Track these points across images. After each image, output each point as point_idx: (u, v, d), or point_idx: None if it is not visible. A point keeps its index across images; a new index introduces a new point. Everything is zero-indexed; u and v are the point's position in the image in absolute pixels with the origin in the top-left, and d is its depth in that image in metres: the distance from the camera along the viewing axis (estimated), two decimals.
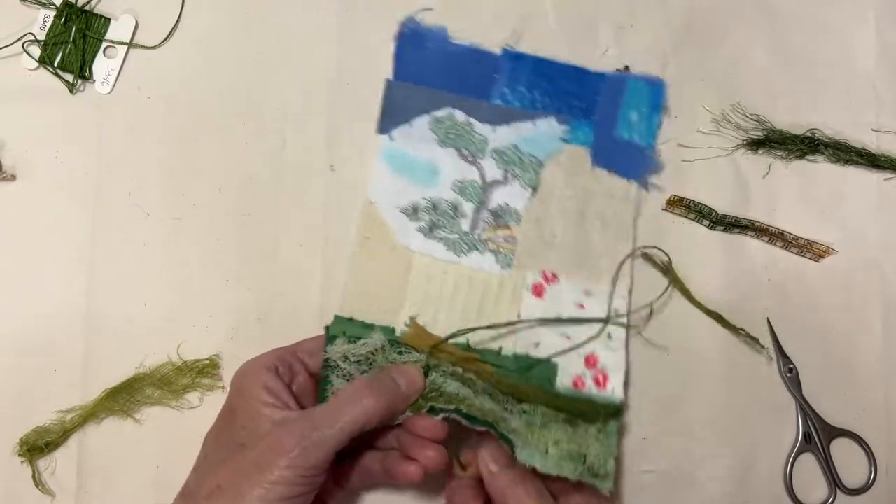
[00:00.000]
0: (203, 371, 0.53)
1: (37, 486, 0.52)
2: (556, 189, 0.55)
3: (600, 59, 0.57)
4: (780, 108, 0.58)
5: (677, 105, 0.57)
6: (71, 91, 0.56)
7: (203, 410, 0.53)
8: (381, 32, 0.57)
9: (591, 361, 0.53)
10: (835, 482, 0.54)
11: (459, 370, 0.50)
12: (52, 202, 0.55)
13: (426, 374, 0.49)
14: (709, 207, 0.56)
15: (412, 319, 0.53)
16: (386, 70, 0.57)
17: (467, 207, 0.55)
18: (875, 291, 0.57)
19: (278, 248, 0.55)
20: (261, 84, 0.57)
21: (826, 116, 0.58)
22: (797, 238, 0.56)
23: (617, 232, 0.55)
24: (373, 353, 0.49)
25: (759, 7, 0.59)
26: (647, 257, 0.55)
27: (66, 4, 0.57)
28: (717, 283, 0.56)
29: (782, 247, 0.56)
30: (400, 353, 0.50)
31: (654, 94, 0.57)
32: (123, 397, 0.53)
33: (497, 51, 0.57)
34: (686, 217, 0.56)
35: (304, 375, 0.49)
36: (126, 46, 0.57)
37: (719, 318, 0.54)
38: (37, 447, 0.52)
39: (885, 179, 0.58)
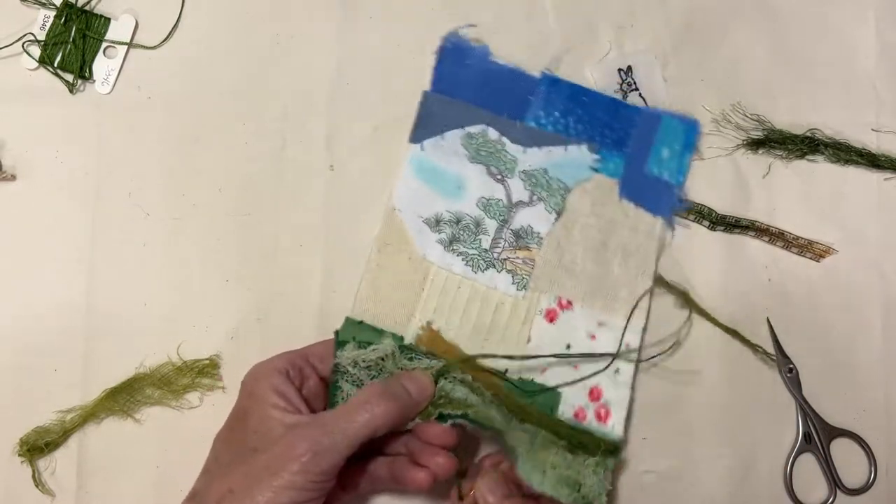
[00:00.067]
0: (203, 371, 0.53)
1: (37, 486, 0.52)
2: (580, 216, 0.55)
3: (600, 59, 0.57)
4: (780, 108, 0.58)
5: (677, 105, 0.57)
6: (71, 91, 0.56)
7: (203, 410, 0.53)
8: (381, 33, 0.57)
9: (594, 394, 0.53)
10: (835, 482, 0.54)
11: (469, 378, 0.49)
12: (52, 202, 0.55)
13: (436, 382, 0.48)
14: (708, 208, 0.56)
15: (428, 324, 0.53)
16: (386, 70, 0.57)
17: (490, 225, 0.55)
18: (875, 291, 0.57)
19: (278, 248, 0.55)
20: (261, 84, 0.57)
21: (826, 116, 0.58)
22: (797, 238, 0.56)
23: (638, 266, 0.55)
24: (383, 360, 0.49)
25: (759, 7, 0.59)
26: (664, 282, 0.55)
27: (66, 4, 0.57)
28: (718, 284, 0.56)
29: (783, 247, 0.56)
30: (410, 359, 0.50)
31: (687, 133, 0.56)
32: (123, 397, 0.53)
33: (536, 74, 0.57)
34: (686, 218, 0.56)
35: (314, 379, 0.48)
36: (126, 46, 0.57)
37: (736, 335, 0.54)
38: (37, 447, 0.52)
39: (885, 179, 0.58)
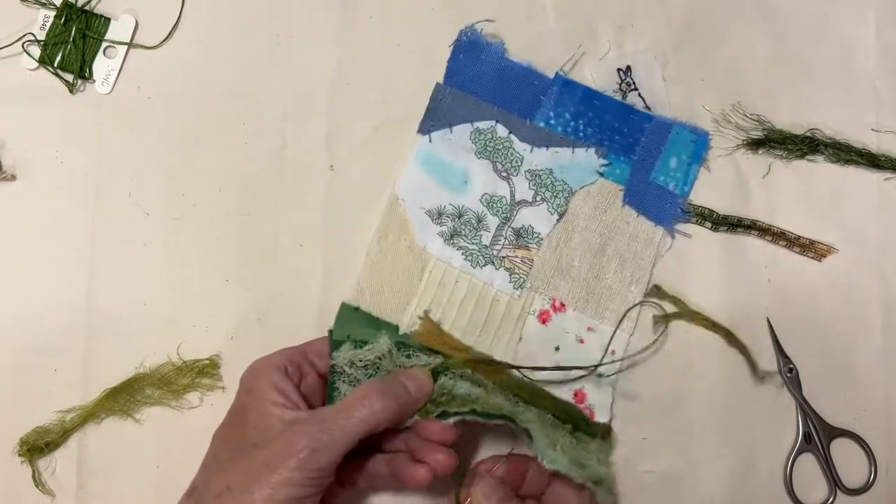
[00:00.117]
0: (203, 371, 0.53)
1: (37, 486, 0.52)
2: (581, 220, 0.55)
3: (600, 59, 0.58)
4: (780, 108, 0.58)
5: (677, 105, 0.57)
6: (71, 91, 0.56)
7: (203, 410, 0.53)
8: (381, 33, 0.57)
9: (579, 396, 0.53)
10: (835, 482, 0.54)
11: (469, 372, 0.49)
12: (52, 202, 0.55)
13: (435, 379, 0.48)
14: (710, 210, 0.56)
15: (426, 313, 0.53)
16: (386, 70, 0.57)
17: (491, 222, 0.55)
18: (875, 291, 0.57)
19: (278, 248, 0.55)
20: (261, 84, 0.57)
21: (826, 116, 0.58)
22: (799, 238, 0.56)
23: (633, 274, 0.55)
24: (380, 359, 0.49)
25: (759, 7, 0.59)
26: (659, 291, 0.55)
27: (66, 4, 0.57)
28: (718, 284, 0.56)
29: (785, 246, 0.56)
30: (408, 356, 0.50)
31: (697, 145, 0.56)
32: (123, 397, 0.53)
33: (549, 74, 0.57)
34: (688, 221, 0.56)
35: (313, 376, 0.49)
36: (126, 46, 0.57)
37: (732, 338, 0.55)
38: (37, 447, 0.52)
39: (885, 179, 0.58)
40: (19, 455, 0.52)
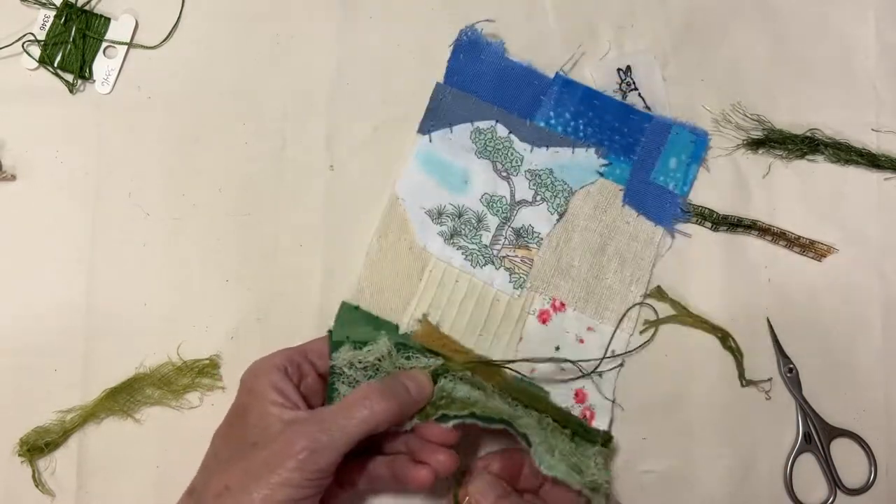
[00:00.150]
0: (203, 371, 0.53)
1: (37, 486, 0.52)
2: (581, 219, 0.55)
3: (600, 59, 0.58)
4: (780, 108, 0.58)
5: (677, 105, 0.57)
6: (71, 91, 0.56)
7: (203, 410, 0.53)
8: (381, 33, 0.57)
9: (580, 396, 0.53)
10: (835, 482, 0.54)
11: (469, 374, 0.49)
12: (52, 202, 0.55)
13: (435, 381, 0.48)
14: (710, 210, 0.56)
15: (424, 316, 0.53)
16: (386, 70, 0.57)
17: (491, 221, 0.55)
18: (875, 291, 0.57)
19: (278, 248, 0.55)
20: (261, 84, 0.57)
21: (826, 116, 0.58)
22: (799, 238, 0.56)
23: (633, 274, 0.55)
24: (379, 360, 0.49)
25: (759, 7, 0.59)
26: (659, 292, 0.55)
27: (66, 4, 0.57)
28: (718, 284, 0.56)
29: (785, 246, 0.56)
30: (407, 358, 0.50)
31: (697, 145, 0.56)
32: (123, 397, 0.53)
33: (549, 74, 0.57)
34: (688, 221, 0.56)
35: (313, 376, 0.49)
36: (126, 46, 0.57)
37: (723, 338, 0.55)
38: (37, 447, 0.52)
39: (885, 179, 0.58)
40: (19, 455, 0.52)
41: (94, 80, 0.56)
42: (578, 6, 0.58)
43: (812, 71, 0.59)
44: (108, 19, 0.57)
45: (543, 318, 0.54)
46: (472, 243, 0.55)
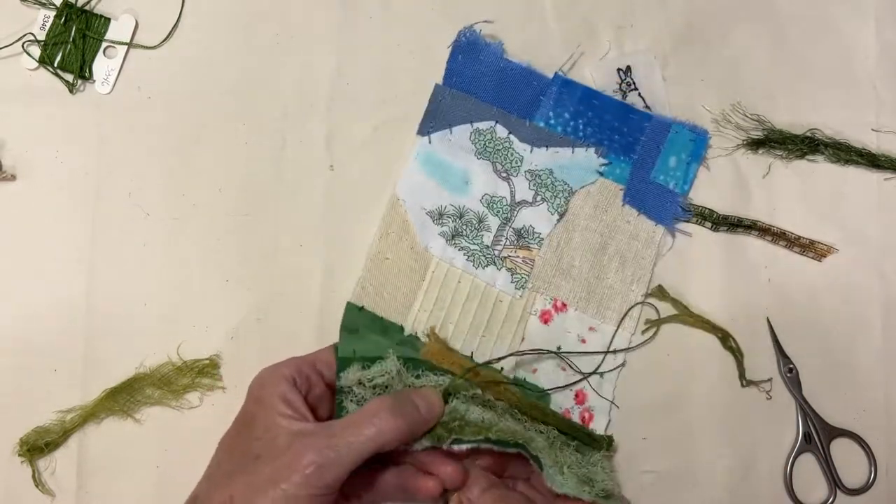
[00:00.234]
0: (203, 371, 0.53)
1: (37, 486, 0.52)
2: (581, 219, 0.56)
3: (600, 59, 0.58)
4: (780, 108, 0.58)
5: (677, 105, 0.57)
6: (71, 91, 0.56)
7: (203, 410, 0.53)
8: (381, 33, 0.57)
9: (580, 398, 0.53)
10: (835, 482, 0.54)
11: (479, 391, 0.49)
12: (52, 202, 0.55)
13: (446, 401, 0.48)
14: (710, 210, 0.56)
15: (432, 330, 0.53)
16: (386, 70, 0.57)
17: (492, 222, 0.55)
18: (875, 291, 0.57)
19: (278, 248, 0.55)
20: (261, 84, 0.57)
21: (826, 116, 0.58)
22: (799, 238, 0.56)
23: (633, 273, 0.55)
24: (389, 381, 0.48)
25: (759, 7, 0.59)
26: (660, 292, 0.55)
27: (66, 4, 0.57)
28: (718, 284, 0.56)
29: (785, 246, 0.56)
30: (417, 377, 0.50)
31: (696, 144, 0.56)
32: (123, 397, 0.53)
33: (549, 74, 0.57)
34: (688, 221, 0.56)
35: (320, 387, 0.48)
36: (126, 46, 0.57)
37: (723, 338, 0.55)
38: (37, 447, 0.52)
39: (885, 179, 0.58)
40: (19, 455, 0.52)
41: (94, 80, 0.56)
42: (578, 6, 0.58)
43: (812, 71, 0.59)
44: (108, 19, 0.57)
45: (545, 318, 0.54)
46: (474, 244, 0.55)
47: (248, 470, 0.42)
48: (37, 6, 0.57)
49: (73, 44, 0.56)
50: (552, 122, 0.56)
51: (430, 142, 0.56)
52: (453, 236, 0.55)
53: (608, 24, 0.58)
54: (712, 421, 0.55)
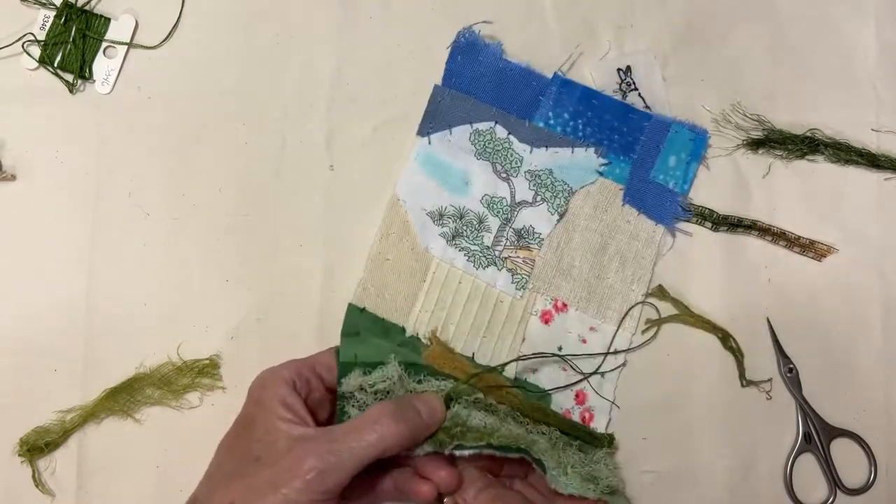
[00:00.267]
0: (203, 371, 0.53)
1: (37, 486, 0.52)
2: (581, 219, 0.55)
3: (600, 59, 0.58)
4: (780, 108, 0.58)
5: (677, 105, 0.57)
6: (71, 91, 0.56)
7: (203, 410, 0.53)
8: (381, 33, 0.57)
9: (580, 398, 0.53)
10: (835, 482, 0.54)
11: (481, 396, 0.49)
12: (52, 202, 0.55)
13: (448, 406, 0.48)
14: (710, 210, 0.56)
15: (434, 334, 0.53)
16: (386, 70, 0.57)
17: (493, 223, 0.55)
18: (875, 291, 0.57)
19: (278, 248, 0.55)
20: (261, 84, 0.57)
21: (826, 116, 0.58)
22: (799, 238, 0.56)
23: (634, 273, 0.55)
24: (390, 387, 0.48)
25: (759, 7, 0.59)
26: (661, 292, 0.55)
27: (66, 4, 0.57)
28: (718, 284, 0.56)
29: (785, 246, 0.56)
30: (419, 382, 0.50)
31: (696, 143, 0.56)
32: (123, 397, 0.53)
33: (548, 74, 0.57)
34: (688, 220, 0.56)
35: (320, 391, 0.48)
36: (126, 46, 0.57)
37: (724, 338, 0.55)
38: (37, 447, 0.52)
39: (885, 179, 0.58)
40: (19, 455, 0.52)
41: (94, 80, 0.56)
42: (578, 6, 0.58)
43: (812, 71, 0.59)
44: (108, 19, 0.57)
45: (546, 318, 0.54)
46: (474, 244, 0.55)
47: (248, 472, 0.42)
48: (37, 6, 0.57)
49: (73, 44, 0.56)
50: (552, 122, 0.56)
51: (429, 142, 0.56)
52: (454, 237, 0.55)
53: (608, 24, 0.58)
54: (712, 421, 0.55)
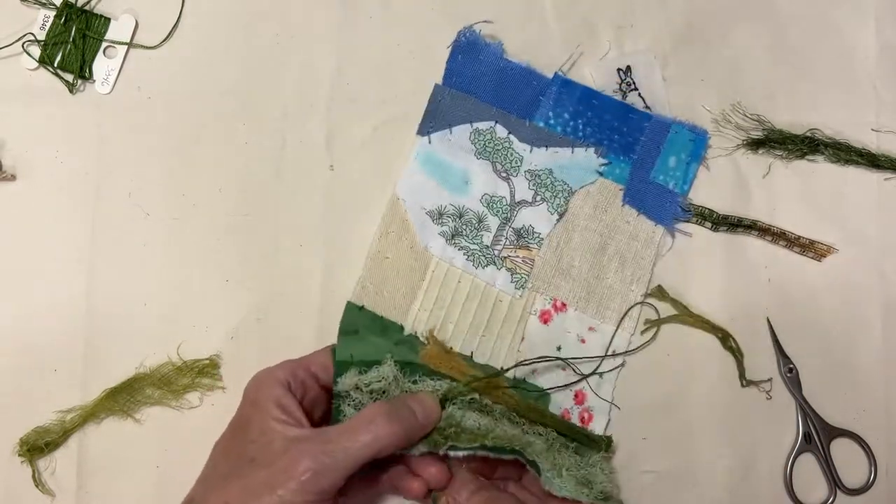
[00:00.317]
0: (203, 371, 0.53)
1: (37, 486, 0.52)
2: (581, 219, 0.55)
3: (600, 59, 0.58)
4: (780, 108, 0.58)
5: (677, 105, 0.57)
6: (71, 91, 0.56)
7: (203, 410, 0.53)
8: (381, 33, 0.57)
9: (579, 398, 0.53)
10: (835, 482, 0.54)
11: (476, 396, 0.49)
12: (52, 202, 0.55)
13: (443, 406, 0.48)
14: (710, 210, 0.56)
15: (431, 333, 0.53)
16: (386, 70, 0.57)
17: (492, 222, 0.55)
18: (875, 291, 0.57)
19: (278, 248, 0.55)
20: (261, 84, 0.57)
21: (826, 116, 0.58)
22: (799, 238, 0.56)
23: (633, 274, 0.55)
24: (385, 387, 0.48)
25: (759, 7, 0.59)
26: (660, 292, 0.55)
27: (66, 4, 0.57)
28: (718, 284, 0.56)
29: (785, 246, 0.56)
30: (414, 382, 0.50)
31: (696, 144, 0.56)
32: (123, 397, 0.53)
33: (548, 74, 0.57)
34: (688, 221, 0.56)
35: (315, 390, 0.48)
36: (126, 46, 0.57)
37: (724, 338, 0.55)
38: (37, 447, 0.52)
39: (885, 179, 0.58)
40: (19, 455, 0.52)
41: (94, 80, 0.56)
42: (578, 6, 0.58)
43: (812, 71, 0.59)
44: (108, 19, 0.57)
45: (545, 318, 0.54)
46: (474, 244, 0.55)
47: (243, 473, 0.42)
48: (37, 6, 0.57)
49: (73, 44, 0.56)
50: (552, 122, 0.56)
51: (429, 142, 0.56)
52: (453, 236, 0.55)
53: (608, 24, 0.58)
54: (712, 421, 0.55)
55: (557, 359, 0.53)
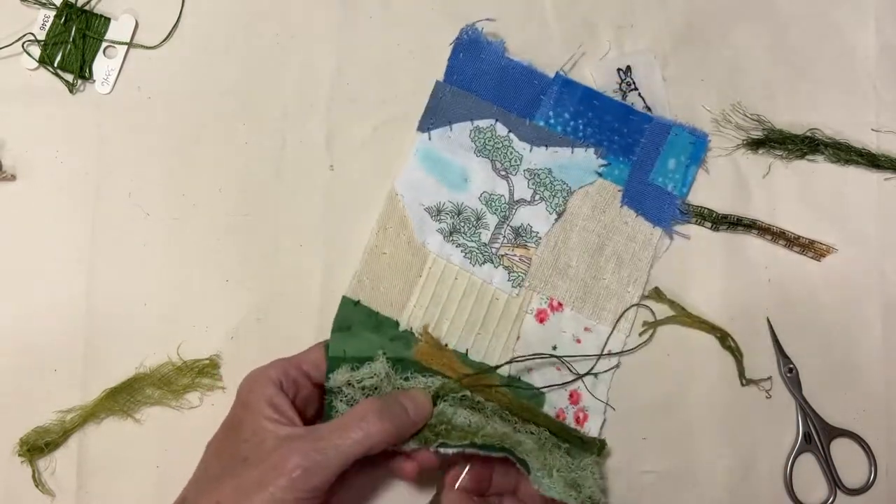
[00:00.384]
0: (203, 371, 0.53)
1: (37, 486, 0.52)
2: (579, 219, 0.55)
3: (600, 59, 0.58)
4: (780, 108, 0.58)
5: (677, 105, 0.57)
6: (71, 91, 0.56)
7: (203, 410, 0.53)
8: (381, 33, 0.57)
9: (574, 398, 0.53)
10: (835, 482, 0.54)
11: (468, 393, 0.49)
12: (52, 202, 0.55)
13: (435, 403, 0.48)
14: (709, 209, 0.56)
15: (426, 329, 0.53)
16: (386, 70, 0.57)
17: (490, 220, 0.55)
18: (875, 291, 0.57)
19: (278, 248, 0.55)
20: (261, 84, 0.57)
21: (826, 116, 0.58)
22: (799, 237, 0.56)
23: (630, 275, 0.55)
24: (377, 383, 0.48)
25: (759, 7, 0.59)
26: (657, 294, 0.55)
27: (66, 4, 0.57)
28: (718, 284, 0.56)
29: (784, 246, 0.56)
30: (406, 379, 0.50)
31: (696, 147, 0.56)
32: (123, 397, 0.53)
33: (550, 73, 0.57)
34: (688, 221, 0.56)
35: (308, 388, 0.48)
36: (126, 46, 0.57)
37: (722, 338, 0.55)
38: (37, 447, 0.52)
39: (885, 179, 0.58)
40: (19, 455, 0.52)
41: (94, 80, 0.56)
42: (578, 6, 0.58)
43: (812, 71, 0.59)
44: (108, 19, 0.57)
45: (541, 317, 0.54)
46: (472, 241, 0.55)
47: (235, 473, 0.42)
48: (37, 6, 0.57)
49: (73, 44, 0.56)
50: (552, 121, 0.56)
51: (429, 138, 0.56)
52: (451, 233, 0.55)
53: (608, 24, 0.58)
54: (712, 421, 0.55)
55: (551, 356, 0.53)
